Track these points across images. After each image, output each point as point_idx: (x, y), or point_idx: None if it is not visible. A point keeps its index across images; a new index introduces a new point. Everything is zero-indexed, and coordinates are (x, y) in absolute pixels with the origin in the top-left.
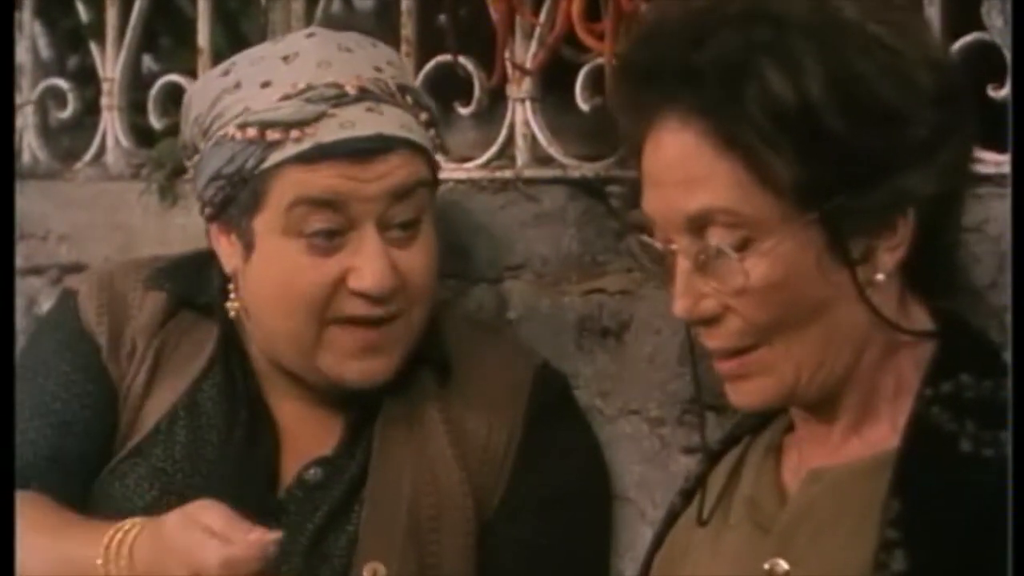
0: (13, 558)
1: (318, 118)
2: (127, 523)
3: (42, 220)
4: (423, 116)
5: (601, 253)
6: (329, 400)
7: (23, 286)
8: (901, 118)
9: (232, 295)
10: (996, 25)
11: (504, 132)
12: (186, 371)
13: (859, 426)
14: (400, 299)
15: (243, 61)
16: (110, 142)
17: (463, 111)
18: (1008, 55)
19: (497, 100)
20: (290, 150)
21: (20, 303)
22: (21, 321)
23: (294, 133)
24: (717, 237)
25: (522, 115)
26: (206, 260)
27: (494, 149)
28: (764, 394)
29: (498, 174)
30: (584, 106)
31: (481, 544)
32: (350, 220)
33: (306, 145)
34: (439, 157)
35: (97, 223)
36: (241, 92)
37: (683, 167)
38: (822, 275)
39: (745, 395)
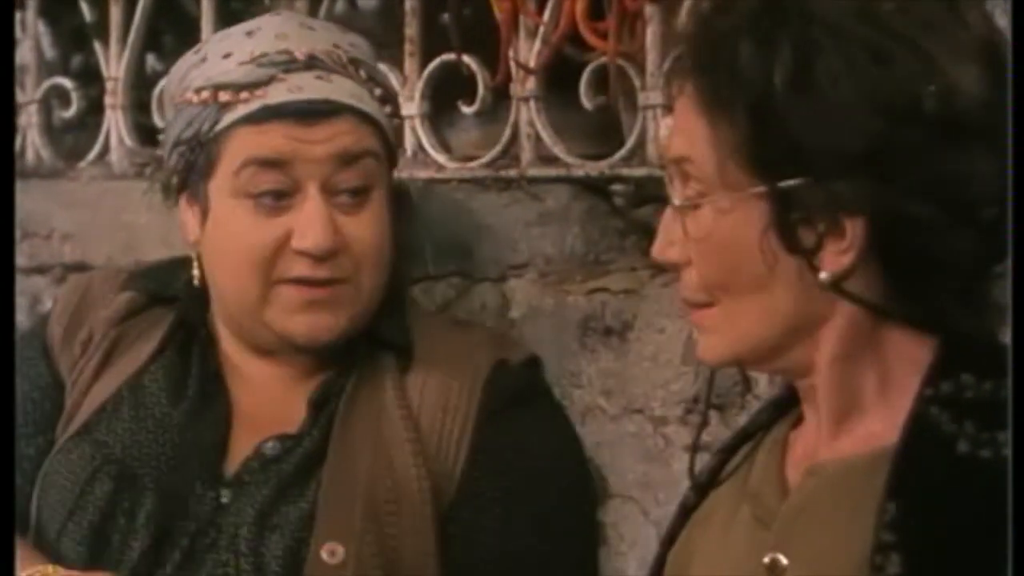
0: (13, 560)
1: (268, 81)
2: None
3: (46, 219)
4: (378, 91)
5: (605, 252)
6: (292, 379)
7: (27, 285)
8: (849, 123)
9: (195, 266)
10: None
11: (508, 131)
12: (136, 357)
13: (844, 422)
14: (346, 263)
15: (213, 39)
16: (114, 141)
17: (467, 110)
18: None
19: (501, 99)
20: (240, 111)
21: (24, 302)
22: (25, 320)
23: (243, 95)
24: (687, 187)
25: (526, 114)
26: (181, 261)
27: (498, 148)
28: (714, 351)
29: (502, 173)
30: (588, 105)
31: (443, 529)
32: (296, 182)
33: (255, 106)
34: (444, 157)
35: (101, 222)
36: (206, 64)
37: (678, 117)
38: (764, 252)
39: (702, 349)
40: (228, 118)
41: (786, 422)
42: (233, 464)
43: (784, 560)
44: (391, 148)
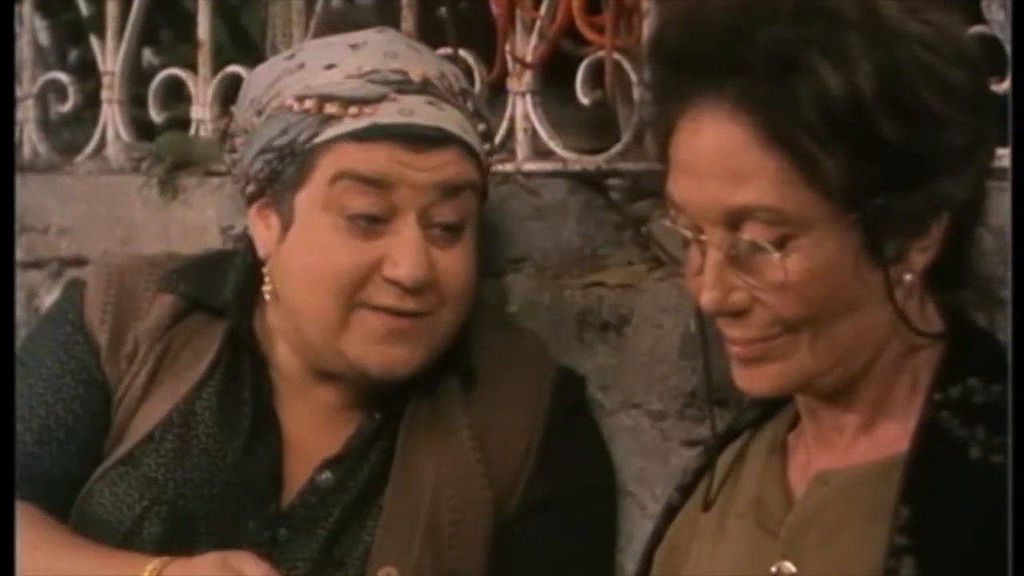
0: (13, 562)
1: (379, 99)
2: (149, 565)
3: (42, 213)
4: (481, 127)
5: (602, 246)
6: (346, 405)
7: (24, 279)
8: (943, 122)
9: (266, 280)
10: (997, 19)
11: (504, 125)
12: (187, 376)
13: (871, 426)
14: (432, 298)
15: (309, 47)
16: (110, 135)
17: None
18: (1008, 49)
19: (498, 94)
20: (346, 126)
21: (20, 296)
22: (21, 314)
23: (352, 110)
24: (754, 232)
25: (522, 109)
26: (222, 261)
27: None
28: (776, 380)
29: (499, 167)
30: (584, 99)
31: (496, 545)
32: (392, 206)
33: (363, 123)
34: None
35: (97, 216)
36: (303, 72)
37: (726, 160)
38: (857, 274)
39: (757, 379)
40: (331, 131)
41: (776, 423)
42: (288, 495)
43: (793, 568)
44: (486, 182)
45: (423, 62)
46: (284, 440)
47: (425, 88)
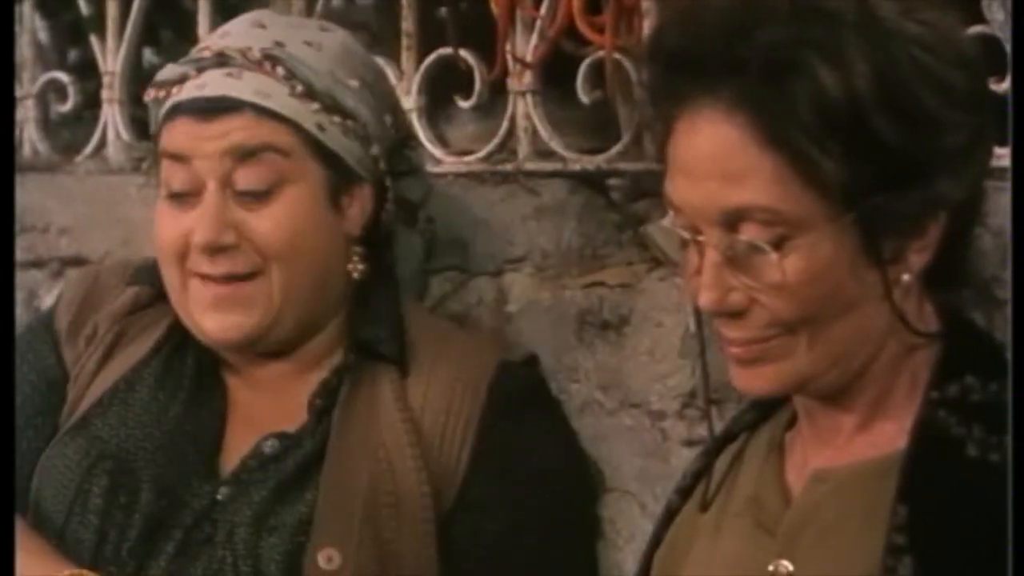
0: (13, 561)
1: (182, 80)
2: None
3: (43, 213)
4: (299, 88)
5: (602, 246)
6: (291, 381)
7: (24, 279)
8: (940, 122)
9: None
10: (997, 19)
11: (505, 125)
12: (137, 351)
13: (869, 425)
14: (247, 258)
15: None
16: (111, 135)
17: (464, 104)
18: (1008, 49)
19: (498, 93)
20: (164, 109)
21: (20, 296)
22: (21, 314)
23: (162, 93)
24: (752, 233)
25: (523, 108)
26: None
27: (495, 142)
28: (775, 381)
29: (499, 167)
30: (585, 99)
31: (444, 533)
32: (198, 179)
33: (169, 104)
34: (440, 151)
35: (97, 216)
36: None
37: (723, 161)
38: (854, 274)
39: (755, 380)
40: (161, 115)
41: (774, 423)
42: (230, 461)
43: (789, 567)
44: (316, 143)
45: (254, 37)
46: (230, 404)
47: (222, 62)
